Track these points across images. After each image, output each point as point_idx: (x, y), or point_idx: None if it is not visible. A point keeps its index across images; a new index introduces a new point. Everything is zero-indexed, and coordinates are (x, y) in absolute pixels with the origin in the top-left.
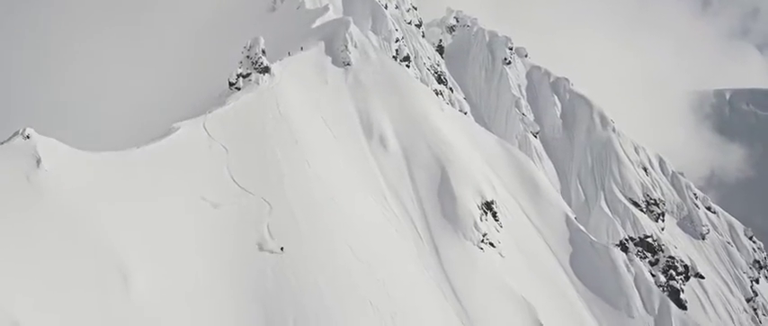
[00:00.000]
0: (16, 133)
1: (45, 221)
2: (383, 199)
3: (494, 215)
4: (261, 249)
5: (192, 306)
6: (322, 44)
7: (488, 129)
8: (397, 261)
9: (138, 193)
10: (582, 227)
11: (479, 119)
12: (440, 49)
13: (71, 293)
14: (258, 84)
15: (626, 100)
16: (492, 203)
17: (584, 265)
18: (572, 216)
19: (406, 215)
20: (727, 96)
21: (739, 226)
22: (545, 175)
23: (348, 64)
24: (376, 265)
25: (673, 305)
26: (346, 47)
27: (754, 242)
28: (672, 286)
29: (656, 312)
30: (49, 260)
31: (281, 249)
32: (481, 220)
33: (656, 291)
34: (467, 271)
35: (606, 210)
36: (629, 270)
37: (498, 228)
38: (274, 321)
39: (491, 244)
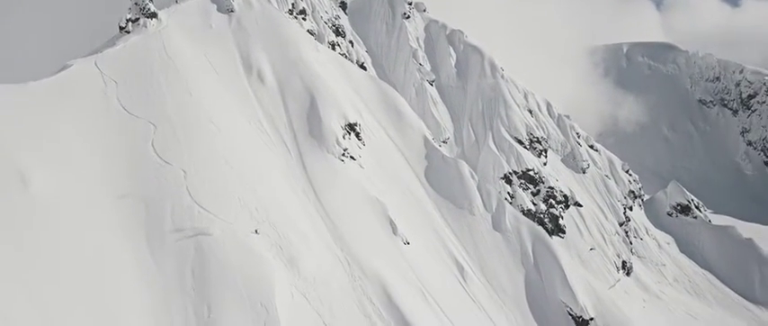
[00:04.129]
0: None
1: None
2: (259, 123)
3: (356, 135)
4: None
5: (85, 203)
6: None
7: (388, 78)
8: (266, 170)
9: (36, 116)
10: (437, 146)
11: (380, 69)
12: (343, 5)
13: None
14: (146, 27)
15: (526, 56)
16: (355, 124)
17: (437, 175)
18: (430, 138)
19: (278, 136)
20: (625, 50)
21: (618, 162)
22: (439, 117)
23: (232, 11)
24: (246, 171)
25: (508, 205)
26: None
27: (630, 175)
28: (551, 213)
29: (494, 210)
30: None
31: (256, 231)
32: (344, 138)
33: (495, 194)
34: (328, 178)
35: (493, 148)
36: (473, 178)
37: (360, 145)
38: (154, 212)
39: (352, 157)
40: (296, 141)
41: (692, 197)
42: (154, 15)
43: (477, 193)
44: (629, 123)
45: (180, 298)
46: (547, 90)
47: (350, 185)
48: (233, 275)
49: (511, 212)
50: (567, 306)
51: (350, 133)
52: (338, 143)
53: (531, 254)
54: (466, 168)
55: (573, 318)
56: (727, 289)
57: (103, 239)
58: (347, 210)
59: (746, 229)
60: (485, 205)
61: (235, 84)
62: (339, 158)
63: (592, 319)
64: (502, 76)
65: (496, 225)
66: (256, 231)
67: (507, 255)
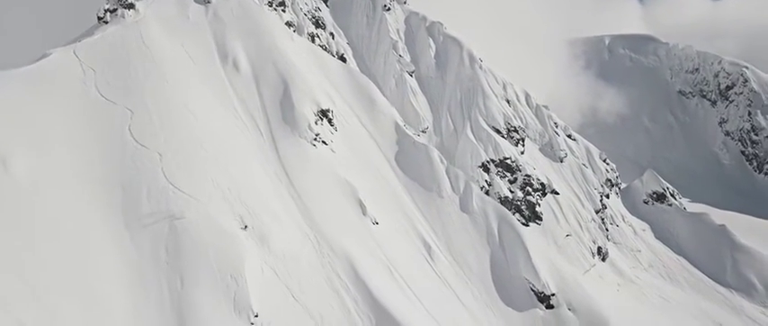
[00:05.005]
0: None
1: None
2: (233, 109)
3: (329, 121)
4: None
5: (64, 184)
6: None
7: (369, 69)
8: (240, 154)
9: (16, 102)
10: (408, 131)
11: (361, 60)
12: None
13: None
14: (124, 18)
15: (507, 49)
16: (328, 111)
17: (407, 160)
18: (401, 124)
19: (252, 122)
20: (606, 42)
21: (595, 151)
22: (418, 107)
23: (208, 1)
24: (220, 155)
25: (475, 187)
26: None
27: (607, 164)
28: (528, 201)
29: (462, 192)
30: None
31: (245, 227)
32: (316, 123)
33: (463, 177)
34: (300, 162)
35: (471, 137)
36: (442, 162)
37: (332, 131)
38: (131, 192)
39: (323, 142)
40: (269, 127)
41: (668, 185)
42: (131, 6)
43: (446, 176)
44: (610, 115)
45: (154, 272)
46: (529, 82)
47: (321, 169)
48: (205, 250)
49: (478, 195)
50: (530, 282)
51: (322, 119)
52: (310, 128)
53: (496, 234)
54: (435, 153)
55: (535, 294)
56: (700, 274)
57: (82, 217)
58: (318, 192)
59: (720, 216)
60: (453, 188)
61: (211, 72)
62: (311, 143)
63: (553, 294)
64: (480, 67)
65: (464, 207)
66: (245, 228)
67: (474, 235)
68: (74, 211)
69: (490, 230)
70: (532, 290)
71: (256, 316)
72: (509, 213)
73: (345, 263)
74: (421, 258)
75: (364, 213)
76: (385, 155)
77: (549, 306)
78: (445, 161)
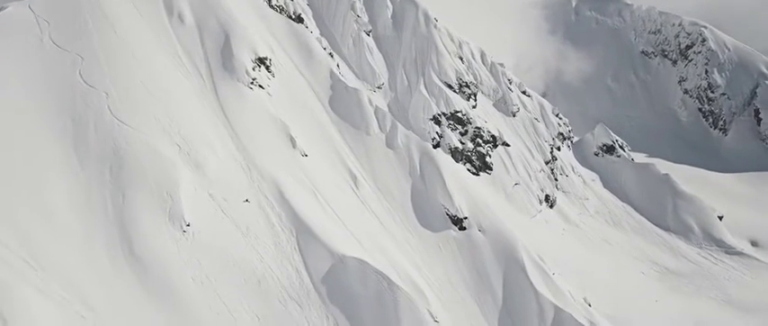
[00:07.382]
0: None
1: None
2: (177, 58)
3: (266, 68)
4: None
5: (20, 118)
6: None
7: (328, 29)
8: (181, 95)
9: None
10: (342, 77)
11: (320, 21)
12: None
13: None
14: None
15: (474, 12)
16: (265, 59)
17: (339, 103)
18: (337, 72)
19: (195, 69)
20: (573, 4)
21: (548, 106)
22: (375, 65)
23: None
24: (162, 95)
25: (400, 126)
26: None
27: (560, 119)
28: (479, 151)
29: (388, 130)
30: None
31: (246, 200)
32: (254, 69)
33: (390, 118)
34: (237, 102)
35: (424, 92)
36: (371, 104)
37: (269, 77)
38: (80, 125)
39: (260, 86)
40: (210, 73)
41: (617, 138)
42: None
43: (374, 117)
44: (576, 77)
45: (100, 190)
46: (497, 47)
47: (256, 108)
48: (144, 171)
49: (402, 132)
50: (445, 207)
51: (260, 66)
52: (248, 74)
53: (417, 166)
54: (364, 96)
55: (449, 217)
56: (644, 219)
57: (37, 146)
58: (252, 127)
59: (667, 167)
60: (380, 127)
61: (157, 25)
62: (248, 86)
63: (465, 218)
64: (435, 27)
65: (389, 143)
66: (247, 200)
67: (397, 167)
68: (29, 140)
69: (412, 163)
70: (447, 214)
71: (188, 225)
72: (430, 147)
73: (272, 186)
74: (346, 187)
75: (294, 146)
76: (319, 99)
77: (462, 228)
78: (374, 103)
